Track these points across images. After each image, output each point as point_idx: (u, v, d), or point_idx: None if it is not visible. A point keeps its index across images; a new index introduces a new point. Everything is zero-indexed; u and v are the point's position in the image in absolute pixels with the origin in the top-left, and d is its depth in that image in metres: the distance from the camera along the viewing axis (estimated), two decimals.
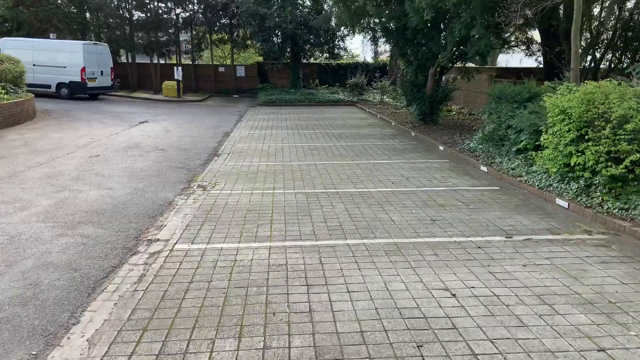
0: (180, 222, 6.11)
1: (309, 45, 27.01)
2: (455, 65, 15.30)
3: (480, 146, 10.40)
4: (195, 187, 8.01)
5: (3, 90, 13.96)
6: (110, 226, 5.92)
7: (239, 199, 7.22)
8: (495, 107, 9.88)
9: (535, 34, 16.93)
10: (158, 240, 5.46)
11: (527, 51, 16.55)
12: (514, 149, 8.93)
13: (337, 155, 10.91)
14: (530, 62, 30.70)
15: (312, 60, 29.79)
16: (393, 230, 5.86)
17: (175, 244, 5.34)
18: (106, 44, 24.02)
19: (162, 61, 28.69)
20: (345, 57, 32.87)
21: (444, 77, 15.54)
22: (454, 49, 12.23)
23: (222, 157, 10.63)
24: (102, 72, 22.77)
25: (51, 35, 23.14)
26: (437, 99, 14.99)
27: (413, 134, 14.10)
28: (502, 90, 9.74)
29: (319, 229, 5.88)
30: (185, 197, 7.33)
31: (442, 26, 13.13)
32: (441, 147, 11.69)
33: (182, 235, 5.60)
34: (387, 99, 24.24)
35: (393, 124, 16.47)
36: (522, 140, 8.62)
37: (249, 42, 29.96)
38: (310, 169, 9.51)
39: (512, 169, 8.55)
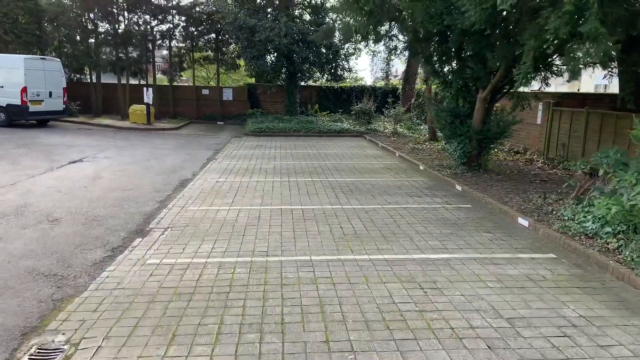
0: None
1: (307, 65, 22.47)
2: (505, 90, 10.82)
3: (609, 229, 5.77)
4: None
5: None
6: None
7: None
8: None
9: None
10: None
11: (610, 71, 12.15)
12: None
13: (349, 237, 6.27)
14: (564, 87, 26.40)
15: (311, 82, 25.24)
16: None
17: None
18: (58, 59, 19.60)
19: (134, 81, 24.28)
20: (348, 79, 28.38)
21: (494, 104, 11.02)
22: (534, 59, 7.69)
23: (148, 241, 5.98)
24: (50, 93, 18.31)
25: None
26: (488, 135, 10.43)
27: (459, 187, 9.47)
28: None
29: None
30: None
31: (512, 26, 8.66)
32: (523, 222, 7.00)
33: None
34: (401, 129, 19.82)
35: (421, 167, 11.85)
36: None
37: (239, 61, 25.61)
38: (301, 279, 4.85)
39: None
